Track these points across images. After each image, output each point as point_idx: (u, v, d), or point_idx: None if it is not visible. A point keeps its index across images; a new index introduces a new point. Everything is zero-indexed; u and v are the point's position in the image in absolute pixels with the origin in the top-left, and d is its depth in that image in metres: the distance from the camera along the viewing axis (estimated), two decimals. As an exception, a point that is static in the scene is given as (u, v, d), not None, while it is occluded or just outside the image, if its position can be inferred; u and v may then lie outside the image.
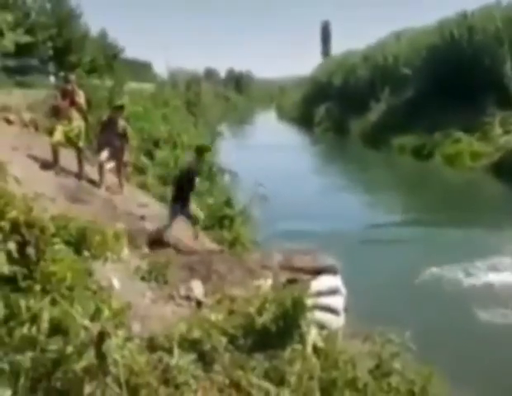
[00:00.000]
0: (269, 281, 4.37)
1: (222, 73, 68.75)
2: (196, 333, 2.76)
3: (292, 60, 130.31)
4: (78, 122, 6.75)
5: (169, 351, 2.45)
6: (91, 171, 6.96)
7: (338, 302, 4.48)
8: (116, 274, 3.20)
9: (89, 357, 1.88)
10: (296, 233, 8.59)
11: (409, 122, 20.26)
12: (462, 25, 20.65)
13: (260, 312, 3.19)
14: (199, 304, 3.76)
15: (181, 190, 5.64)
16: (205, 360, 2.63)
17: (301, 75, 49.65)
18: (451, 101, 18.25)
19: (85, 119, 6.97)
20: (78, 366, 1.90)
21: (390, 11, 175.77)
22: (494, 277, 7.17)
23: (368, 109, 24.90)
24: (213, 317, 3.05)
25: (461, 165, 16.40)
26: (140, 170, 8.72)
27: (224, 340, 2.87)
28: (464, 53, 19.50)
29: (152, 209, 6.38)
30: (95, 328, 1.87)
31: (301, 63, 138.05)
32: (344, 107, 28.32)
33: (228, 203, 8.15)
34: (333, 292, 4.55)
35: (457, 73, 18.76)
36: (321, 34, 58.97)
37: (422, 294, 6.77)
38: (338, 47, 54.61)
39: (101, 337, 1.85)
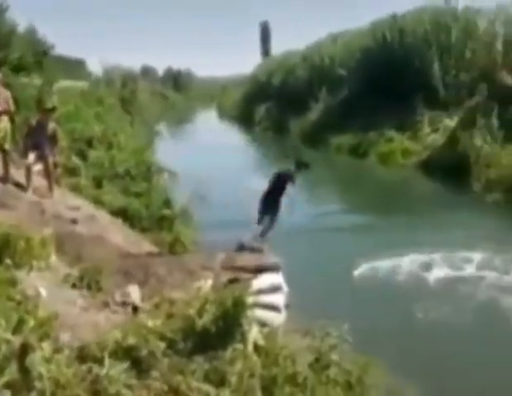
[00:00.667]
0: (210, 282, 4.31)
1: (160, 72, 67.53)
2: (132, 340, 2.65)
3: (233, 59, 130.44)
4: (3, 123, 6.39)
5: (101, 361, 2.33)
6: (17, 174, 6.59)
7: (279, 299, 4.49)
8: (44, 282, 3.02)
9: (11, 372, 1.75)
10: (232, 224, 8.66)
11: (345, 122, 20.79)
12: (393, 27, 21.42)
13: (200, 313, 3.14)
14: (136, 309, 3.62)
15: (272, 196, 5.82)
16: (141, 367, 2.53)
17: (241, 74, 49.73)
18: (384, 101, 18.92)
19: (11, 120, 6.61)
20: (0, 381, 1.76)
21: (327, 11, 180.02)
22: (424, 269, 7.43)
23: (307, 108, 25.33)
24: (150, 322, 2.95)
25: (393, 163, 17.05)
26: (72, 171, 8.37)
27: (162, 345, 2.78)
28: (395, 54, 20.25)
29: (85, 212, 6.12)
30: (17, 341, 1.74)
31: (241, 62, 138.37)
32: (284, 107, 28.65)
33: (167, 203, 8.00)
34: (274, 289, 4.56)
35: (389, 74, 19.47)
36: (260, 34, 59.42)
37: (354, 285, 7.00)
38: (277, 47, 55.20)
39: (24, 349, 1.72)
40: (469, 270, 7.31)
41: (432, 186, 14.34)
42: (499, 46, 16.73)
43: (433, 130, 17.18)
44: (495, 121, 14.05)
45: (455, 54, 18.77)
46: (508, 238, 8.66)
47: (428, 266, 7.48)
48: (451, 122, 16.48)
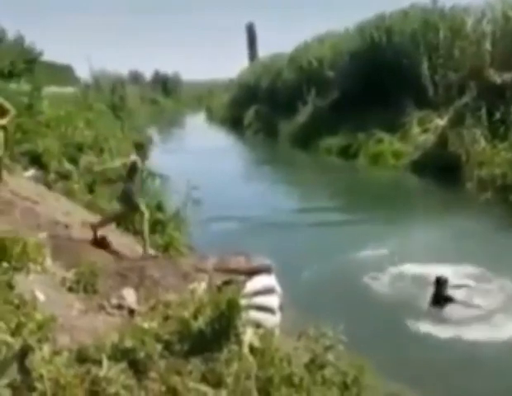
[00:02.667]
0: (204, 284, 4.33)
1: (148, 76, 67.17)
2: (129, 342, 2.67)
3: (221, 63, 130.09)
4: None
5: (99, 363, 2.35)
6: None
7: (273, 301, 4.52)
8: (40, 286, 3.04)
9: (12, 373, 1.77)
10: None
11: (334, 123, 20.84)
12: (380, 27, 21.49)
13: (195, 316, 3.16)
14: (132, 312, 3.64)
15: None
16: (139, 368, 2.55)
17: (229, 78, 49.71)
18: (373, 102, 18.97)
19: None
20: (2, 383, 1.78)
21: (313, 12, 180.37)
22: (409, 267, 7.48)
23: (296, 111, 25.37)
24: (146, 324, 2.97)
25: (384, 164, 17.11)
26: (64, 176, 8.36)
27: (159, 347, 2.80)
28: (383, 55, 20.34)
29: (79, 217, 6.13)
30: (17, 343, 1.76)
31: (229, 65, 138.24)
32: (273, 109, 28.71)
33: (160, 207, 8.00)
34: (268, 291, 4.58)
35: (378, 74, 19.53)
36: (247, 36, 59.37)
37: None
38: (264, 49, 55.15)
39: (24, 351, 1.74)
40: (454, 268, 7.30)
41: (423, 187, 14.42)
42: (487, 45, 16.85)
43: (424, 130, 17.28)
44: (484, 120, 14.15)
45: (443, 53, 18.86)
46: (498, 237, 8.77)
47: (419, 264, 7.52)
48: (441, 122, 16.59)
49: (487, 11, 18.10)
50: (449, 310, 6.25)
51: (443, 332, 5.69)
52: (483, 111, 14.23)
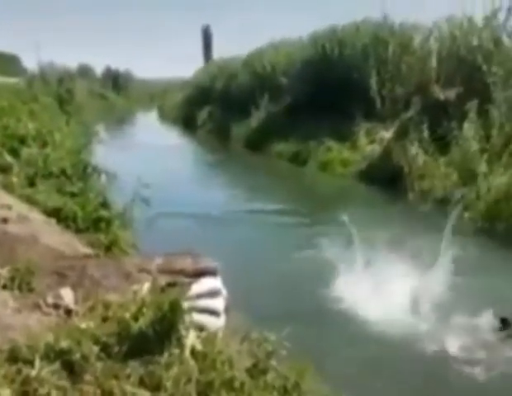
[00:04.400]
0: (147, 285, 4.22)
1: (98, 71, 65.42)
2: (65, 343, 2.56)
3: (174, 62, 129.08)
4: None
5: (32, 363, 2.25)
6: None
7: (218, 303, 4.46)
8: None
9: None
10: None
11: (286, 129, 21.13)
12: (333, 39, 21.98)
13: (136, 317, 3.08)
14: (69, 312, 3.50)
15: None
16: (74, 370, 2.45)
17: (183, 77, 49.24)
18: (324, 111, 19.39)
19: None
20: None
21: (268, 17, 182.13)
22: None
23: (249, 114, 25.50)
24: (84, 324, 2.86)
25: (332, 171, 17.54)
26: (3, 169, 7.98)
27: (96, 348, 2.71)
28: (335, 66, 20.79)
29: (17, 211, 5.84)
30: None
31: (183, 65, 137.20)
32: (226, 111, 28.72)
33: (104, 204, 7.77)
34: (213, 294, 4.53)
35: (329, 85, 19.97)
36: (202, 37, 59.10)
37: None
38: (219, 51, 54.87)
39: None
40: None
41: (368, 195, 14.87)
42: (433, 62, 17.59)
43: (371, 141, 17.82)
44: (426, 134, 14.74)
45: (391, 67, 19.51)
46: (431, 245, 9.17)
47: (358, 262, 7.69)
48: (387, 134, 17.17)
49: (434, 30, 18.90)
50: None
51: None
52: (425, 126, 14.82)
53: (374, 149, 17.17)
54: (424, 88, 16.91)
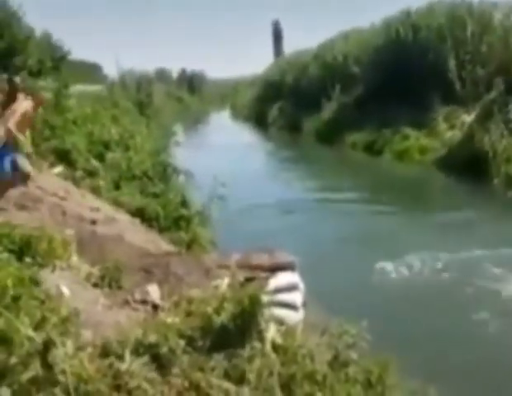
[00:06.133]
0: (226, 281, 4.33)
1: (174, 74, 67.85)
2: (152, 337, 2.69)
3: (245, 60, 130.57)
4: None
5: (122, 357, 2.38)
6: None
7: (296, 297, 4.49)
8: (66, 281, 3.09)
9: (35, 368, 1.79)
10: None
11: (360, 119, 20.66)
12: (406, 23, 21.19)
13: (218, 312, 3.16)
14: (155, 307, 3.67)
15: None
16: (162, 363, 2.57)
17: (254, 74, 49.68)
18: (399, 98, 18.74)
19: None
20: (24, 377, 1.81)
21: (337, 11, 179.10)
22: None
23: (320, 107, 25.23)
24: (170, 319, 2.99)
25: (410, 160, 16.92)
26: (91, 173, 8.50)
27: (181, 342, 2.82)
28: (409, 50, 20.04)
29: (104, 213, 6.22)
30: (39, 338, 1.79)
31: (254, 62, 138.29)
32: (297, 106, 28.58)
33: (184, 203, 8.06)
34: (291, 288, 4.56)
35: (404, 70, 19.28)
36: (272, 33, 59.28)
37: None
38: (289, 46, 54.78)
39: (47, 346, 1.77)
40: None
41: (450, 182, 14.20)
42: (515, 40, 16.49)
43: (450, 126, 16.99)
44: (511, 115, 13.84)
45: (471, 48, 18.49)
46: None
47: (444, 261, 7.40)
48: (468, 118, 16.27)
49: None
50: None
51: None
52: (510, 107, 13.90)
53: (454, 135, 16.33)
54: (506, 68, 15.87)
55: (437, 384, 3.40)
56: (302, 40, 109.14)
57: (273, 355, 3.02)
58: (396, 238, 8.85)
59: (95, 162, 8.97)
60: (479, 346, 5.28)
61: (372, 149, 19.02)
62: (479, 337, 5.48)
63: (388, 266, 7.32)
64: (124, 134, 11.40)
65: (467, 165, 13.69)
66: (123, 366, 2.28)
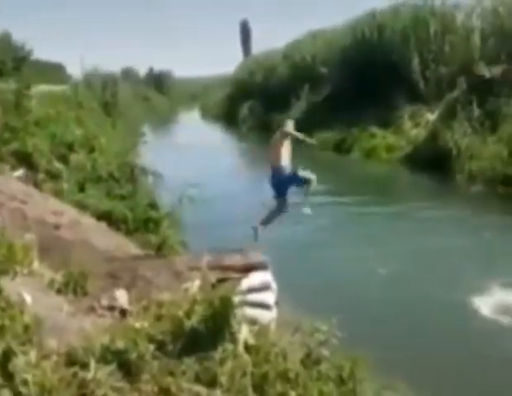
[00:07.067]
0: (197, 283, 4.27)
1: (141, 73, 66.78)
2: (120, 343, 2.61)
3: (214, 59, 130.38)
4: None
5: (88, 365, 2.29)
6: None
7: (269, 297, 4.47)
8: (28, 288, 2.96)
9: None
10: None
11: (328, 118, 20.87)
12: (372, 24, 21.53)
13: (188, 315, 3.11)
14: (123, 312, 3.57)
15: None
16: (130, 370, 2.49)
17: (223, 74, 49.48)
18: (366, 97, 19.03)
19: None
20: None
21: (301, 10, 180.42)
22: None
23: (290, 106, 25.35)
24: (138, 324, 2.91)
25: (377, 158, 17.23)
26: (54, 176, 8.25)
27: (151, 347, 2.75)
28: (375, 51, 20.37)
29: (69, 217, 6.03)
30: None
31: (224, 62, 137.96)
32: (267, 105, 28.65)
33: (152, 205, 7.91)
34: (263, 288, 4.54)
35: (370, 70, 19.58)
36: (241, 33, 59.18)
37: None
38: (258, 45, 54.61)
39: (7, 355, 1.68)
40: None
41: (415, 179, 14.51)
42: (476, 40, 16.93)
43: (415, 125, 17.34)
44: (474, 113, 14.21)
45: (434, 48, 18.92)
46: (486, 227, 8.86)
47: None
48: (432, 116, 16.65)
49: (477, 7, 18.19)
50: None
51: None
52: (473, 105, 14.28)
53: (419, 133, 16.70)
54: (468, 67, 16.31)
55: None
56: (271, 40, 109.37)
57: (246, 356, 2.98)
58: (359, 231, 9.58)
59: (58, 165, 8.69)
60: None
61: (341, 148, 19.27)
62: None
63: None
64: (89, 134, 11.14)
65: (432, 162, 14.03)
66: (88, 375, 2.19)
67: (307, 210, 7.30)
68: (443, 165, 13.79)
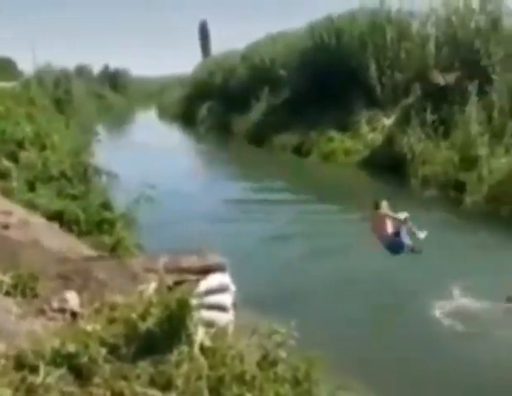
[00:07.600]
0: (153, 285, 4.17)
1: (96, 71, 65.08)
2: (71, 346, 2.52)
3: (172, 59, 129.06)
4: None
5: (38, 369, 2.19)
6: None
7: (226, 299, 4.43)
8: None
9: None
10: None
11: (288, 121, 21.06)
12: (330, 28, 21.83)
13: (144, 317, 3.04)
14: (74, 315, 3.45)
15: None
16: (82, 373, 2.40)
17: (181, 74, 49.02)
18: (324, 101, 19.32)
19: None
20: None
21: (262, 9, 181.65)
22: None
23: (249, 108, 25.41)
24: (90, 327, 2.81)
25: (335, 161, 17.53)
26: (3, 174, 7.91)
27: (103, 350, 2.66)
28: (333, 55, 20.65)
29: (18, 217, 5.79)
30: None
31: (181, 62, 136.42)
32: (226, 106, 28.58)
33: (106, 206, 7.71)
34: (221, 290, 4.49)
35: (328, 75, 19.86)
36: (200, 33, 58.84)
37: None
38: (217, 46, 54.30)
39: None
40: None
41: (371, 183, 14.81)
42: (431, 47, 17.47)
43: (372, 129, 17.73)
44: (428, 119, 14.65)
45: (390, 54, 19.39)
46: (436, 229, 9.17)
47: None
48: (388, 121, 17.07)
49: (431, 15, 18.77)
50: None
51: None
52: (427, 111, 14.72)
53: (376, 137, 17.09)
54: (423, 74, 16.81)
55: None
56: (231, 41, 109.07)
57: (202, 359, 2.95)
58: (314, 232, 10.08)
59: (7, 163, 8.35)
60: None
61: (300, 151, 19.52)
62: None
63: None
64: (40, 132, 10.76)
65: (388, 166, 14.40)
66: (38, 379, 2.10)
67: (422, 234, 7.77)
68: (399, 169, 14.17)
